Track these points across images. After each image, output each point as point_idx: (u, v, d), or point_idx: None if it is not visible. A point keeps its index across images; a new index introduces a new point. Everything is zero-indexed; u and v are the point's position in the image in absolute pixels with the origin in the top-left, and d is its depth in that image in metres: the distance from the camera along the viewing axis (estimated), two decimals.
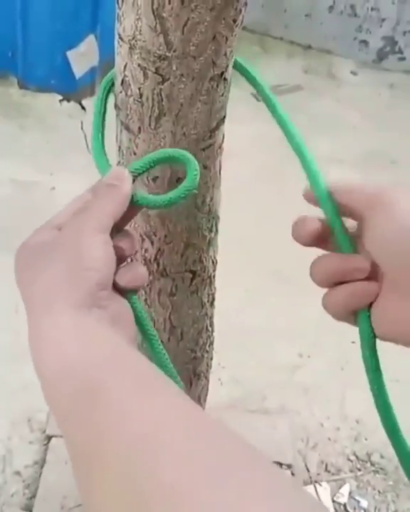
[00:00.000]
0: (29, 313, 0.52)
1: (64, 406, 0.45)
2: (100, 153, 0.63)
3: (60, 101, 3.06)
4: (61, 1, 2.78)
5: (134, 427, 0.40)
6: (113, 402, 0.43)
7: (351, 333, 2.13)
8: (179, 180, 0.68)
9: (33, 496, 1.62)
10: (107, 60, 2.98)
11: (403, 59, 3.72)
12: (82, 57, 2.97)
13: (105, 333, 0.49)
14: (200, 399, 1.07)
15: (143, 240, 0.75)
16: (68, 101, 3.07)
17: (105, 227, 0.54)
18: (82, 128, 2.95)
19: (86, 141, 2.88)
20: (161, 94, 0.59)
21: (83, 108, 3.07)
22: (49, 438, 1.73)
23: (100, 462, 0.40)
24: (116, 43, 0.60)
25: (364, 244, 0.54)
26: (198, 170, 0.57)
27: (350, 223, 0.58)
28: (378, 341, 0.57)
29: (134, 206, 0.57)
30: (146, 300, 0.83)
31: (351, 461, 1.81)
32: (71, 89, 3.05)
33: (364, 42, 3.71)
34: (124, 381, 0.44)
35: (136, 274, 0.57)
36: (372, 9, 3.59)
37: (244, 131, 2.78)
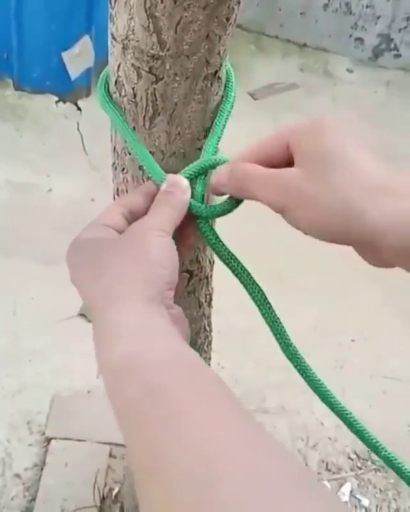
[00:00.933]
0: (94, 305, 0.52)
1: (125, 402, 0.46)
2: (144, 154, 0.63)
3: (56, 102, 3.06)
4: (56, 2, 2.77)
5: (193, 436, 0.40)
6: (174, 406, 0.42)
7: (350, 331, 2.14)
8: None
9: (33, 499, 1.61)
10: (102, 60, 2.96)
11: (399, 56, 3.72)
12: (78, 58, 2.96)
13: (172, 332, 0.50)
14: None
15: None
16: (64, 102, 3.06)
17: (168, 232, 0.56)
18: (78, 129, 2.95)
19: (82, 142, 2.88)
20: (155, 94, 0.59)
21: (79, 109, 3.06)
22: (48, 440, 1.73)
23: (157, 465, 0.40)
24: (109, 42, 0.59)
25: None
26: None
27: None
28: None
29: (187, 215, 0.60)
30: None
31: (352, 460, 1.81)
32: (67, 90, 3.04)
33: (360, 39, 3.71)
34: (187, 386, 0.44)
35: None
36: (367, 6, 3.58)
37: (240, 129, 2.77)
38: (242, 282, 0.64)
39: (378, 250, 0.50)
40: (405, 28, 3.61)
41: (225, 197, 0.61)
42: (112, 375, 0.47)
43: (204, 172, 0.62)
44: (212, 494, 0.36)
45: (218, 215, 0.61)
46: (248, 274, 0.64)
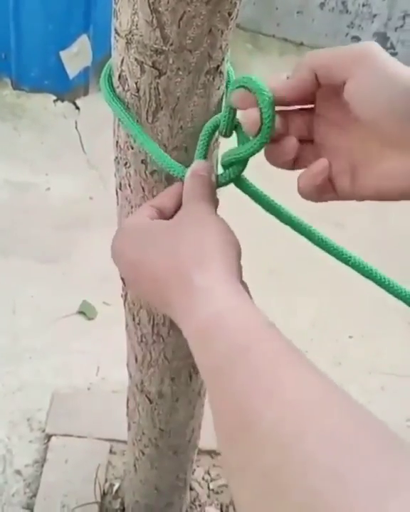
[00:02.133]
0: (175, 273, 0.52)
1: (214, 360, 0.46)
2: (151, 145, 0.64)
3: (54, 101, 3.06)
4: (54, 1, 2.77)
5: (280, 394, 0.41)
6: (263, 365, 0.43)
7: (349, 328, 2.15)
8: None
9: (34, 495, 1.62)
10: (100, 59, 2.98)
11: (395, 54, 3.73)
12: (76, 57, 2.97)
13: (254, 305, 0.51)
14: (199, 394, 1.07)
15: None
16: (62, 101, 3.07)
17: (215, 212, 0.60)
18: (76, 128, 2.95)
19: (81, 141, 2.88)
20: (158, 88, 0.60)
21: (77, 108, 3.07)
22: (49, 437, 1.74)
23: (246, 420, 0.41)
24: (112, 38, 0.60)
25: (351, 102, 0.53)
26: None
27: None
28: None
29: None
30: None
31: None
32: (65, 89, 3.05)
33: (356, 38, 3.72)
34: (274, 348, 0.45)
35: None
36: (363, 5, 3.60)
37: None
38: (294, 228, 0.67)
39: None
40: (401, 26, 3.62)
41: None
42: (200, 337, 0.48)
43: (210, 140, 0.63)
44: (299, 446, 0.37)
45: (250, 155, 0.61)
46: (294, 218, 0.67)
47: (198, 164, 0.62)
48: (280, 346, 0.46)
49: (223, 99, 0.65)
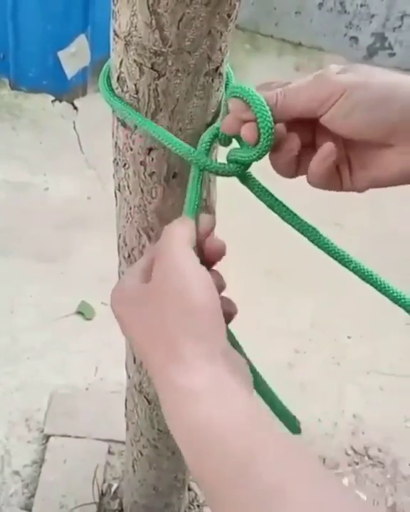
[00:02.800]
0: (156, 365, 0.52)
1: (210, 476, 0.45)
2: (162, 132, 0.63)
3: (53, 101, 3.06)
4: (52, 1, 2.77)
5: None
6: (267, 480, 0.42)
7: (347, 328, 2.15)
8: (176, 176, 0.68)
9: (32, 496, 1.62)
10: (98, 60, 2.98)
11: (393, 55, 3.73)
12: (74, 57, 2.97)
13: (239, 388, 0.49)
14: None
15: (140, 235, 0.75)
16: (60, 101, 3.07)
17: (191, 247, 0.57)
18: (74, 128, 2.95)
19: (79, 141, 2.88)
20: (157, 90, 0.59)
21: (75, 108, 3.07)
22: (47, 437, 1.74)
23: None
24: (111, 39, 0.60)
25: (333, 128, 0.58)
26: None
27: None
28: None
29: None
30: None
31: (349, 456, 1.82)
32: (63, 89, 3.05)
33: (354, 38, 3.72)
34: (271, 455, 0.44)
35: (232, 308, 0.60)
36: (362, 5, 3.60)
37: None
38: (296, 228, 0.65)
39: None
40: (399, 27, 3.62)
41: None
42: (189, 445, 0.47)
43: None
44: None
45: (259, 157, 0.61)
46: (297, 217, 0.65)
47: (177, 221, 0.61)
48: (277, 452, 0.44)
49: (221, 107, 0.65)
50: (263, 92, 0.59)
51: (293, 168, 0.62)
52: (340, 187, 0.63)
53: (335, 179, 0.62)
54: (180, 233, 0.58)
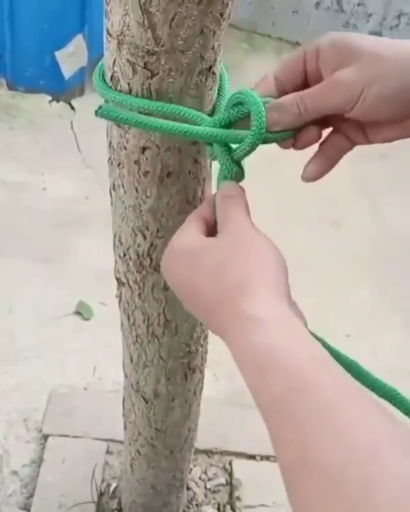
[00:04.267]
0: (222, 298, 0.53)
1: (270, 398, 0.45)
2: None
3: (50, 101, 3.06)
4: (49, 1, 2.77)
5: (344, 434, 0.40)
6: (323, 402, 0.42)
7: (345, 327, 2.15)
8: (170, 175, 0.68)
9: (31, 496, 1.62)
10: (96, 59, 2.97)
11: None
12: (71, 57, 2.97)
13: (306, 331, 0.50)
14: (195, 393, 1.07)
15: (135, 234, 0.75)
16: (58, 101, 3.07)
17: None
18: (72, 128, 2.95)
19: (76, 141, 2.88)
20: (150, 89, 0.60)
21: (73, 108, 3.07)
22: (46, 437, 1.74)
23: (311, 461, 0.40)
24: (104, 38, 0.60)
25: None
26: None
27: None
28: None
29: None
30: (139, 295, 0.84)
31: None
32: (60, 89, 3.05)
33: None
34: (332, 384, 0.44)
35: None
36: (359, 4, 3.60)
37: None
38: None
39: None
40: (396, 26, 3.62)
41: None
42: (254, 369, 0.47)
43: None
44: (366, 500, 0.37)
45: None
46: None
47: (226, 187, 0.63)
48: (338, 381, 0.45)
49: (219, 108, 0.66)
50: (279, 102, 0.62)
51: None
52: (351, 146, 0.66)
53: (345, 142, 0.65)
54: (241, 209, 0.61)
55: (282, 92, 0.64)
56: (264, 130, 0.60)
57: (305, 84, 0.64)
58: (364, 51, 0.59)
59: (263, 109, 0.60)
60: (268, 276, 0.53)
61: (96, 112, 0.62)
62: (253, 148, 0.61)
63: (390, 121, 0.61)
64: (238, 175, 0.64)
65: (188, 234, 0.61)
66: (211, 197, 0.66)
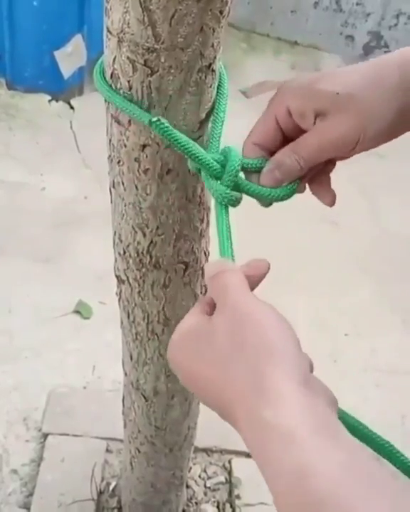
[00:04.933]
0: (240, 401, 0.47)
1: (297, 500, 0.42)
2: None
3: (49, 101, 3.06)
4: (47, 1, 2.77)
5: None
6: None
7: (344, 325, 2.15)
8: (170, 172, 0.68)
9: (31, 494, 1.62)
10: (95, 59, 2.98)
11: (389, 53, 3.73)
12: (70, 57, 2.97)
13: (334, 421, 0.46)
14: None
15: (135, 232, 0.76)
16: (57, 101, 3.07)
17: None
18: (71, 128, 2.95)
19: (75, 140, 2.89)
20: (150, 87, 0.60)
21: (72, 108, 3.07)
22: (45, 436, 1.74)
23: None
24: (104, 36, 0.60)
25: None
26: None
27: None
28: None
29: None
30: (139, 292, 0.84)
31: None
32: (60, 89, 3.05)
33: (350, 37, 3.73)
34: (372, 500, 0.40)
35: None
36: (357, 4, 3.60)
37: (232, 127, 2.76)
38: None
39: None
40: (395, 25, 3.63)
41: None
42: (282, 482, 0.43)
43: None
44: None
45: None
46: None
47: (216, 265, 0.60)
48: (376, 494, 0.41)
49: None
50: (278, 161, 0.64)
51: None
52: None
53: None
54: (236, 282, 0.56)
55: (269, 153, 0.65)
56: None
57: (285, 138, 0.65)
58: (339, 97, 0.60)
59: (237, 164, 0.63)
60: (282, 359, 0.48)
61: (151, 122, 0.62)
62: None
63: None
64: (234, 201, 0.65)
65: (190, 315, 0.58)
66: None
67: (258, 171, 0.66)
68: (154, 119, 0.60)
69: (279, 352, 0.48)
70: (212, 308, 0.57)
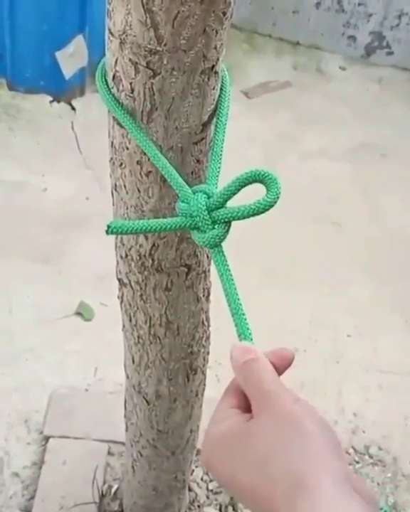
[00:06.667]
0: (269, 497, 0.47)
1: None
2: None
3: (50, 102, 3.06)
4: (48, 2, 2.77)
5: None
6: None
7: (346, 326, 2.14)
8: None
9: (32, 497, 1.62)
10: (96, 60, 2.97)
11: (391, 54, 3.73)
12: (71, 57, 2.96)
13: None
14: (197, 394, 1.07)
15: (137, 235, 0.75)
16: (58, 102, 3.06)
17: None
18: (72, 128, 2.95)
19: (77, 141, 2.88)
20: (152, 89, 0.59)
21: (73, 109, 3.06)
22: (47, 439, 1.73)
23: None
24: (106, 38, 0.60)
25: None
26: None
27: None
28: None
29: None
30: (141, 295, 0.83)
31: (350, 454, 1.82)
32: (61, 90, 3.05)
33: (352, 37, 3.72)
34: None
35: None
36: (359, 4, 3.60)
37: (234, 128, 2.76)
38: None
39: None
40: (397, 25, 3.62)
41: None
42: None
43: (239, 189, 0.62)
44: None
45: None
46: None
47: (241, 350, 0.58)
48: None
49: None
50: None
51: None
52: None
53: None
54: (270, 377, 0.54)
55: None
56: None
57: None
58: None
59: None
60: (328, 463, 0.47)
61: (107, 231, 0.61)
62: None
63: None
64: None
65: (221, 411, 0.56)
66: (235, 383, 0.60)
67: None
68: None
69: (323, 458, 0.47)
70: (240, 399, 0.56)
